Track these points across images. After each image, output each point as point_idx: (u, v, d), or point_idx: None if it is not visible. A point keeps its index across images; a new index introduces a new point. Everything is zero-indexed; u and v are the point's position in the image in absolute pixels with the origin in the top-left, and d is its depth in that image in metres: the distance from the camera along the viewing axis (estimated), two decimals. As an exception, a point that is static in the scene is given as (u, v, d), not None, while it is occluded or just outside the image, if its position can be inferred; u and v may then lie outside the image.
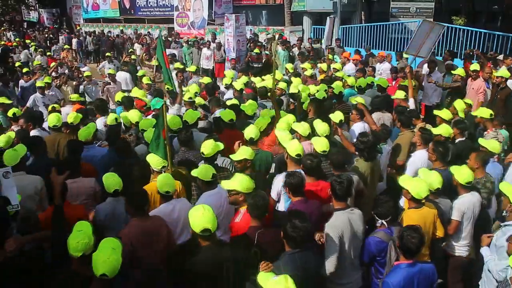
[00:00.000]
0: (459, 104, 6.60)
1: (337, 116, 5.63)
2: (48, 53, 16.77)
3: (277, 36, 15.45)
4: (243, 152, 4.43)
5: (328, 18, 11.77)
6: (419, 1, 16.92)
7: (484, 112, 6.13)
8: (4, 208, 3.38)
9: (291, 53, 13.69)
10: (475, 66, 8.50)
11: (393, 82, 9.43)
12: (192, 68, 10.63)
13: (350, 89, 8.26)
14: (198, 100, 7.52)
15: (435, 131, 5.46)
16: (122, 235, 3.59)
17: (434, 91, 9.16)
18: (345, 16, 18.15)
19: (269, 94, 7.16)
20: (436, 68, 9.49)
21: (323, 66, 10.35)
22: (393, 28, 15.71)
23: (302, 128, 5.15)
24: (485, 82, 8.31)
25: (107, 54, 15.24)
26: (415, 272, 3.26)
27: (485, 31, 13.01)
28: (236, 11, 19.81)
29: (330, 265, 3.46)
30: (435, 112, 6.32)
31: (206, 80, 8.84)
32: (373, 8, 20.98)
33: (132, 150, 5.44)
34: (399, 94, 7.39)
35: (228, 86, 8.71)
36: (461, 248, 4.43)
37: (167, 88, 7.80)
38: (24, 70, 11.88)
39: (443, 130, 5.45)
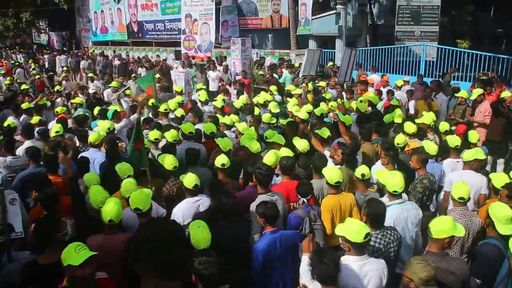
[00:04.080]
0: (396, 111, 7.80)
1: (324, 133, 6.36)
2: (37, 76, 16.72)
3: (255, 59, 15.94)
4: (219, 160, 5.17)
5: (307, 50, 11.80)
6: (424, 25, 17.08)
7: (427, 119, 7.01)
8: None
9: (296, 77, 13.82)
10: (479, 90, 8.53)
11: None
12: (178, 88, 11.69)
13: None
14: (178, 111, 8.29)
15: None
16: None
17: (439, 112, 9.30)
18: (350, 39, 18.35)
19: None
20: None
21: (310, 86, 10.63)
22: (398, 51, 15.84)
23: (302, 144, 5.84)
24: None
25: (90, 74, 16.66)
26: (277, 237, 3.88)
27: (490, 54, 13.09)
28: (242, 34, 20.10)
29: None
30: None
31: (179, 99, 9.68)
32: (378, 31, 21.20)
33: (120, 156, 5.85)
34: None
35: (205, 102, 9.83)
36: None
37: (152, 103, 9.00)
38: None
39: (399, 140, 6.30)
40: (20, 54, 29.38)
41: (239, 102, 8.90)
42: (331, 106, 8.54)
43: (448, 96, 9.99)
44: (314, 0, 19.21)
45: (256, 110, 8.14)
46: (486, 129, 8.11)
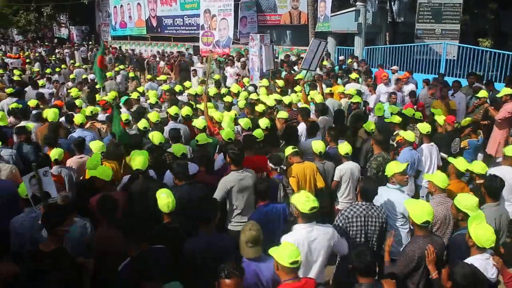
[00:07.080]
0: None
1: (284, 114, 7.54)
2: (36, 69, 18.09)
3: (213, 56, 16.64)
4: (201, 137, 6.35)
5: (312, 40, 11.86)
6: (445, 23, 16.85)
7: (397, 119, 7.41)
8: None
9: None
10: (507, 90, 8.34)
11: (415, 107, 9.31)
12: (148, 76, 13.59)
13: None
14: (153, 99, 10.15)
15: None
16: None
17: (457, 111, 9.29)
18: (370, 37, 18.22)
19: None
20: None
21: (280, 82, 11.14)
22: (418, 49, 15.67)
23: (243, 122, 7.01)
24: None
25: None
26: (268, 210, 4.54)
27: (513, 53, 12.83)
28: (261, 30, 20.10)
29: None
30: None
31: (166, 87, 11.16)
32: (398, 29, 21.02)
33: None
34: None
35: (180, 93, 11.10)
36: (342, 203, 5.82)
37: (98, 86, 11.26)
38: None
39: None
40: (42, 48, 29.89)
41: (212, 90, 10.26)
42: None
43: (468, 95, 9.87)
44: (334, -3, 19.10)
45: (229, 98, 9.37)
46: (498, 127, 8.09)
